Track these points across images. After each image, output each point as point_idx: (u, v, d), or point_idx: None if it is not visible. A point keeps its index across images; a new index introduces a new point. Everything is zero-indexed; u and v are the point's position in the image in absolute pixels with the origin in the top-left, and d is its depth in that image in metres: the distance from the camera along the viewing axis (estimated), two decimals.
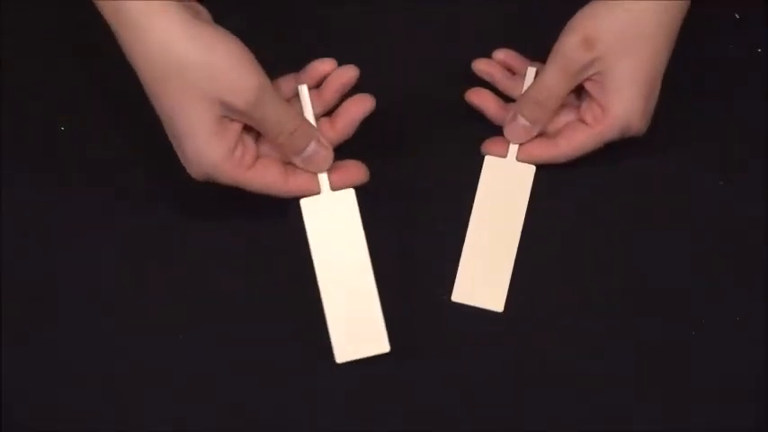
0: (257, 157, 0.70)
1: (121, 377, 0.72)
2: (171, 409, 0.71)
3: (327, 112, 0.73)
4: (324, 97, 0.72)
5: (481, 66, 0.77)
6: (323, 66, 0.73)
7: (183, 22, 0.65)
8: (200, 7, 0.68)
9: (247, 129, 0.69)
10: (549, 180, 0.74)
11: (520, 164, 0.74)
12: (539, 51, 0.74)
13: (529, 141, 0.74)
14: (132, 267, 0.74)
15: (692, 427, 0.71)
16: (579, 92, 0.74)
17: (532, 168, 0.74)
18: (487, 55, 0.77)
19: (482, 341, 0.73)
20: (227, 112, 0.67)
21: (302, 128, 0.70)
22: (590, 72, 0.71)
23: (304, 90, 0.72)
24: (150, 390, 0.72)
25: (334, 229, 0.70)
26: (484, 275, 0.73)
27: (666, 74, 0.72)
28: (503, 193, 0.74)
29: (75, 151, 0.76)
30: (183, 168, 0.70)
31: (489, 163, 0.75)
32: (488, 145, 0.75)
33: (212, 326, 0.73)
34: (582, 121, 0.73)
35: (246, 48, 0.67)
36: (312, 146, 0.70)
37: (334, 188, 0.71)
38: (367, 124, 0.74)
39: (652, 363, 0.72)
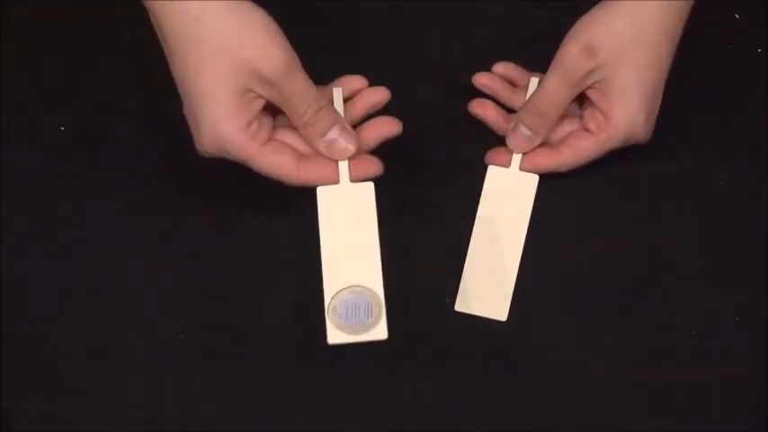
0: (271, 138, 0.69)
1: (122, 377, 0.72)
2: (172, 410, 0.72)
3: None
4: (350, 112, 0.72)
5: (482, 80, 0.76)
6: (354, 82, 0.73)
7: None
8: None
9: (267, 110, 0.69)
10: (552, 189, 0.74)
11: (523, 173, 0.74)
12: (541, 61, 0.74)
13: (532, 150, 0.74)
14: (133, 266, 0.74)
15: (692, 427, 0.71)
16: (582, 101, 0.74)
17: (536, 177, 0.74)
18: (489, 66, 0.77)
19: (485, 350, 0.73)
20: (254, 84, 0.67)
21: (327, 108, 0.69)
22: (592, 80, 0.71)
23: (339, 93, 0.72)
24: (150, 389, 0.72)
25: (346, 221, 0.69)
26: (487, 285, 0.73)
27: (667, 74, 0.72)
28: (506, 203, 0.74)
29: (75, 151, 0.76)
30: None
31: (492, 173, 0.75)
32: (491, 155, 0.75)
33: (214, 324, 0.73)
34: (585, 129, 0.73)
35: (278, 26, 0.67)
36: (336, 129, 0.69)
37: (352, 180, 0.70)
38: None
39: (652, 363, 0.72)
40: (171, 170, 0.75)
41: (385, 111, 0.75)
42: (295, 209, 0.73)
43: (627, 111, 0.71)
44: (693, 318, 0.73)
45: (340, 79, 0.73)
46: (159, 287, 0.74)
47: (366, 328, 0.68)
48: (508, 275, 0.73)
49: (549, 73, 0.72)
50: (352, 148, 0.70)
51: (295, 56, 0.68)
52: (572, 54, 0.70)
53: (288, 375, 0.72)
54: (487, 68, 0.77)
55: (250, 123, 0.68)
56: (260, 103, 0.68)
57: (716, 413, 0.71)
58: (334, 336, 0.68)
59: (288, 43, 0.67)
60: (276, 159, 0.68)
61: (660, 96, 0.72)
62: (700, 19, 0.72)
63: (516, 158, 0.74)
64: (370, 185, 0.70)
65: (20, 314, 0.73)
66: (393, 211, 0.75)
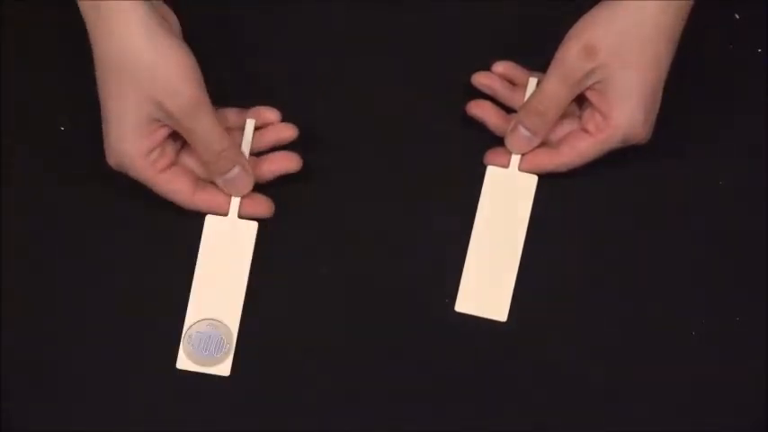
0: (172, 164, 0.72)
1: (122, 377, 0.72)
2: (172, 409, 0.72)
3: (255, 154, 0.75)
4: (259, 140, 0.74)
5: (481, 79, 0.76)
6: (268, 114, 0.75)
7: (145, 25, 0.68)
8: (172, 17, 0.71)
9: (173, 138, 0.71)
10: (551, 189, 0.74)
11: (522, 174, 0.74)
12: (541, 61, 0.74)
13: (531, 151, 0.74)
14: (132, 266, 0.74)
15: (692, 427, 0.71)
16: (581, 101, 0.73)
17: (535, 178, 0.74)
18: (489, 66, 0.77)
19: (486, 351, 0.73)
20: (160, 115, 0.69)
21: (229, 151, 0.71)
22: (591, 81, 0.71)
23: (251, 125, 0.74)
24: (150, 390, 0.72)
25: (227, 252, 0.72)
26: (487, 285, 0.73)
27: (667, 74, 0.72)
28: (505, 203, 0.74)
29: (75, 151, 0.76)
30: None
31: (491, 173, 0.75)
32: (490, 155, 0.75)
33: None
34: (584, 129, 0.73)
35: (196, 65, 0.69)
36: (236, 170, 0.72)
37: (240, 215, 0.73)
38: (368, 137, 0.76)
39: (652, 363, 0.72)
40: None
41: (387, 109, 0.75)
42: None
43: (626, 111, 0.71)
44: (693, 318, 0.73)
45: (255, 109, 0.74)
46: (159, 287, 0.74)
47: (213, 362, 0.71)
48: (508, 276, 0.73)
49: (548, 73, 0.72)
50: (248, 187, 0.73)
51: (203, 96, 0.70)
52: (571, 54, 0.70)
53: (286, 376, 0.72)
54: (487, 68, 0.77)
55: (151, 150, 0.70)
56: (165, 132, 0.70)
57: (716, 413, 0.71)
58: (183, 362, 0.71)
59: (200, 83, 0.69)
60: (171, 186, 0.72)
61: (660, 97, 0.72)
62: (700, 19, 0.72)
63: (515, 159, 0.74)
64: (255, 225, 0.73)
65: (20, 314, 0.73)
66: (392, 211, 0.75)
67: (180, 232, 0.74)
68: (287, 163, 0.74)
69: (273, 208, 0.74)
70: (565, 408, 0.72)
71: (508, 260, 0.74)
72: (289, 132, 0.74)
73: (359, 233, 0.75)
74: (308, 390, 0.72)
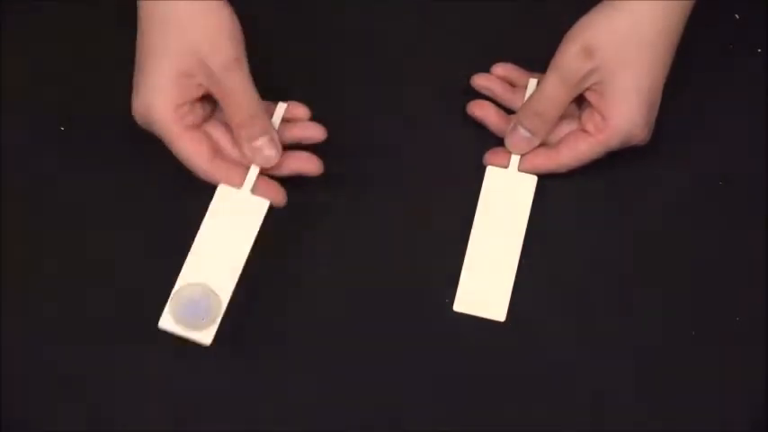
0: (197, 127, 0.71)
1: (122, 377, 0.72)
2: (172, 409, 0.72)
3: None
4: (284, 133, 0.73)
5: (480, 81, 0.76)
6: (298, 110, 0.74)
7: None
8: None
9: (203, 102, 0.71)
10: (550, 189, 0.75)
11: (522, 174, 0.75)
12: (541, 61, 0.74)
13: (531, 151, 0.74)
14: (132, 266, 0.74)
15: (692, 427, 0.71)
16: (580, 102, 0.74)
17: (534, 178, 0.74)
18: (489, 66, 0.77)
19: (485, 351, 0.73)
20: (198, 72, 0.69)
21: (261, 118, 0.71)
22: (590, 82, 0.71)
23: (282, 109, 0.73)
24: (149, 389, 0.72)
25: (229, 224, 0.70)
26: (486, 285, 0.73)
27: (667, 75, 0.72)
28: (505, 204, 0.74)
29: (75, 151, 0.76)
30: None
31: (491, 173, 0.75)
32: (490, 156, 0.75)
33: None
34: (583, 130, 0.73)
35: (240, 28, 0.70)
36: (264, 138, 0.71)
37: (253, 192, 0.72)
38: (369, 137, 0.76)
39: (652, 363, 0.72)
40: (171, 170, 0.75)
41: (388, 110, 0.75)
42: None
43: (625, 112, 0.71)
44: (693, 318, 0.73)
45: (286, 102, 0.74)
46: (159, 286, 0.74)
47: (196, 327, 0.69)
48: (507, 276, 0.73)
49: (547, 74, 0.72)
50: (274, 159, 0.71)
51: (243, 57, 0.70)
52: (570, 55, 0.70)
53: (286, 375, 0.72)
54: (487, 69, 0.77)
55: (181, 105, 0.70)
56: (198, 91, 0.70)
57: (716, 413, 0.71)
58: (166, 321, 0.69)
59: (241, 44, 0.70)
60: (192, 147, 0.71)
61: (659, 98, 0.72)
62: (700, 19, 0.72)
63: (515, 159, 0.75)
64: (266, 203, 0.71)
65: (20, 314, 0.73)
66: (392, 210, 0.75)
67: (181, 231, 0.74)
68: (307, 164, 0.73)
69: (285, 199, 0.72)
70: (565, 408, 0.71)
71: (507, 260, 0.74)
72: (317, 133, 0.73)
73: (359, 233, 0.75)
74: (307, 389, 0.72)
